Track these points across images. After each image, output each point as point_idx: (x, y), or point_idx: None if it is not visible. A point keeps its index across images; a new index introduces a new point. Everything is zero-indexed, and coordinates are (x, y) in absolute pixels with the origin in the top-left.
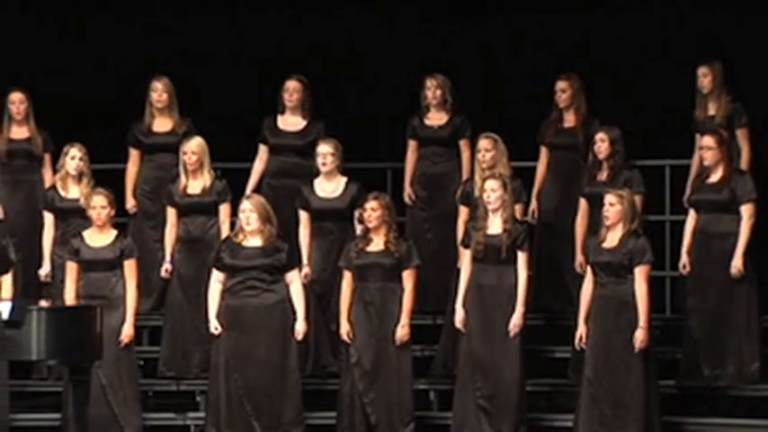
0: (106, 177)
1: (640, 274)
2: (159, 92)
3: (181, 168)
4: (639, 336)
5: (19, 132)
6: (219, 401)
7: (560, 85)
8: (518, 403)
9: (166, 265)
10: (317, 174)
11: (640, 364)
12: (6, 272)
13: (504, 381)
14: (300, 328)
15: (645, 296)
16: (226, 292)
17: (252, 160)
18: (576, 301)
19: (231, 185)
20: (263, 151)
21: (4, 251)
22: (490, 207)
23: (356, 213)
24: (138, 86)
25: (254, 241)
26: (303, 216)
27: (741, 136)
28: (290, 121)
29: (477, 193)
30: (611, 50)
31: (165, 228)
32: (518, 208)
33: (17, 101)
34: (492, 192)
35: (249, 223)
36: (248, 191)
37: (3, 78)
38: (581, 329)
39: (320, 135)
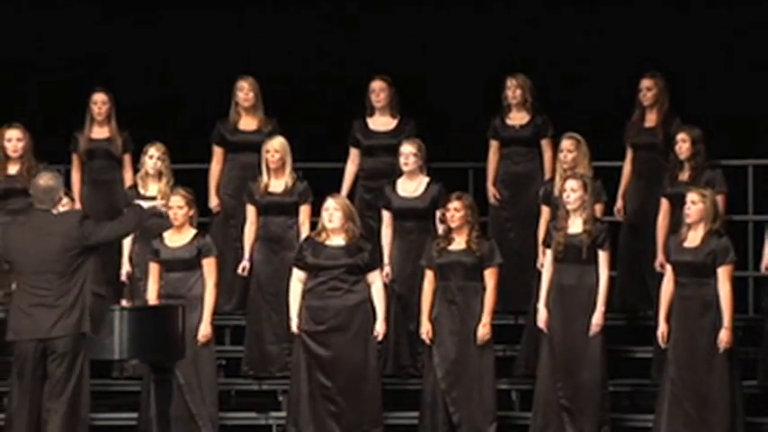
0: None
1: (724, 275)
2: (246, 91)
3: (263, 167)
4: (724, 337)
5: (99, 133)
6: (300, 400)
7: (645, 83)
8: (600, 403)
9: (244, 263)
10: (401, 173)
11: (725, 364)
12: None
13: (586, 380)
14: (380, 328)
15: (729, 296)
16: (308, 293)
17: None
18: (656, 302)
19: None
20: (354, 154)
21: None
22: (569, 207)
23: (438, 213)
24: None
25: (337, 240)
26: (386, 216)
27: None
28: (381, 122)
29: (557, 192)
30: (698, 50)
31: (244, 226)
32: (598, 208)
33: (99, 101)
34: (572, 191)
35: (332, 220)
36: (343, 194)
37: None
38: (662, 328)
39: (412, 133)
